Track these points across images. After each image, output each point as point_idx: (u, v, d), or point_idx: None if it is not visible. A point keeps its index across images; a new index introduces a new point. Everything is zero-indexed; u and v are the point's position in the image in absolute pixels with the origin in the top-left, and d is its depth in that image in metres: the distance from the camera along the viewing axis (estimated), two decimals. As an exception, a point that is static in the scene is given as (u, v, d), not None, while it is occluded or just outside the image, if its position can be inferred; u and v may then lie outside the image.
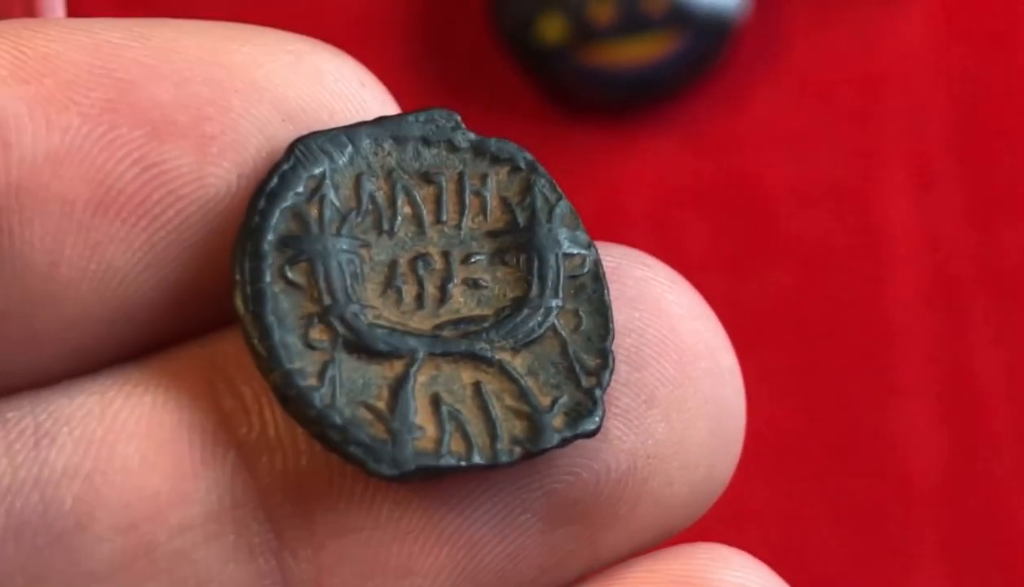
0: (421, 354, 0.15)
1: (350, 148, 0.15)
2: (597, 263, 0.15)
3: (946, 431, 0.35)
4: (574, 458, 0.15)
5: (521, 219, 0.15)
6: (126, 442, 0.15)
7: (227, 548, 0.15)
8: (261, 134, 0.14)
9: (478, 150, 0.15)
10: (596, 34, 0.37)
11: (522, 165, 0.15)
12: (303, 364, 0.14)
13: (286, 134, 0.15)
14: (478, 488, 0.15)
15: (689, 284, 0.16)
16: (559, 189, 0.16)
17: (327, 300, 0.14)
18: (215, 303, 0.15)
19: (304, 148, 0.15)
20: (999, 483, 0.35)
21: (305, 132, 0.15)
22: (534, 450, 0.15)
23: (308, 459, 0.15)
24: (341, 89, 0.15)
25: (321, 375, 0.14)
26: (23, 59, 0.14)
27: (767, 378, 0.35)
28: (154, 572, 0.14)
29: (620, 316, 0.15)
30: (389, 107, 0.15)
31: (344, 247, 0.15)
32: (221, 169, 0.14)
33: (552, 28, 0.37)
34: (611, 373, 0.15)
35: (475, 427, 0.15)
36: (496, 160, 0.15)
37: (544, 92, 0.37)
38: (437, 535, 0.15)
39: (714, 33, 0.37)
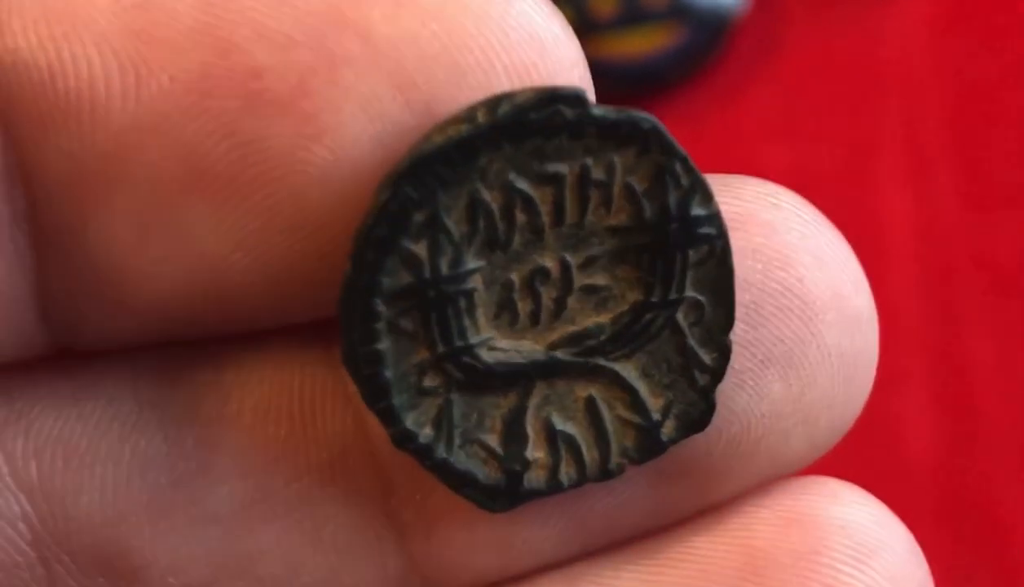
0: (533, 380, 0.14)
1: (459, 162, 0.13)
2: (726, 249, 0.14)
3: (939, 414, 0.35)
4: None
5: (648, 212, 0.14)
6: (249, 395, 0.15)
7: (341, 494, 0.15)
8: (366, 113, 0.13)
9: (604, 132, 0.14)
10: (597, 27, 0.37)
11: (652, 146, 0.14)
12: (418, 415, 0.14)
13: (397, 112, 0.13)
14: None
15: (825, 220, 0.15)
16: (691, 164, 0.14)
17: (441, 347, 0.14)
18: (316, 289, 0.14)
19: (413, 181, 0.13)
20: (990, 464, 0.35)
21: (420, 111, 0.13)
22: (642, 460, 0.15)
23: None
24: (485, 42, 0.13)
25: (437, 423, 0.14)
26: (136, 15, 0.13)
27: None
28: (272, 516, 0.15)
29: (742, 270, 0.15)
30: (568, 47, 0.14)
31: (456, 281, 0.14)
32: (316, 154, 0.13)
33: (554, 20, 0.37)
34: (726, 366, 0.14)
35: (587, 445, 0.14)
36: (624, 142, 0.14)
37: (546, 83, 0.38)
38: None
39: (713, 26, 0.37)
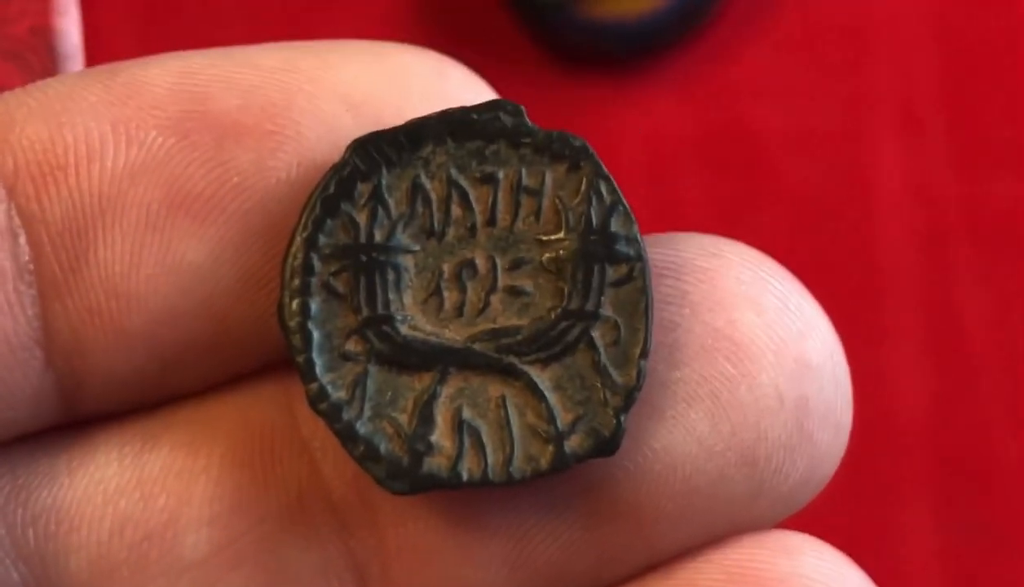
0: (449, 367, 0.15)
1: (407, 148, 0.15)
2: (645, 271, 0.15)
3: (932, 373, 0.35)
4: (607, 460, 0.15)
5: (572, 224, 0.15)
6: (212, 443, 0.16)
7: (301, 536, 0.16)
8: (323, 125, 0.15)
9: (539, 146, 0.15)
10: (593, -13, 0.37)
11: (581, 163, 0.15)
12: (335, 377, 0.15)
13: (349, 122, 0.15)
14: (519, 488, 0.15)
15: (770, 268, 0.15)
16: (618, 190, 0.15)
17: (366, 311, 0.15)
18: None
19: (362, 151, 0.15)
20: (983, 422, 0.35)
21: (370, 121, 0.15)
22: (545, 470, 0.15)
23: None
24: (414, 81, 0.15)
25: (352, 388, 0.15)
26: (111, 87, 0.15)
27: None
28: (240, 560, 0.16)
29: (666, 313, 0.15)
30: (474, 97, 0.15)
31: (389, 257, 0.15)
32: (279, 161, 0.15)
33: (549, -19, 0.37)
34: (639, 390, 0.15)
35: (492, 444, 0.15)
36: (556, 158, 0.15)
37: (542, 44, 0.38)
38: (485, 528, 0.15)
39: (708, -14, 0.37)
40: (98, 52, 0.32)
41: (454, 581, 0.15)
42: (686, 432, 0.15)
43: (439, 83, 0.15)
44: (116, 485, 0.16)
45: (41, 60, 0.28)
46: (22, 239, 0.15)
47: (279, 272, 0.15)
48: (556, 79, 0.38)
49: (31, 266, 0.15)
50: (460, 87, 0.16)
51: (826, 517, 0.36)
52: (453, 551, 0.15)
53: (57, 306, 0.15)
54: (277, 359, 0.16)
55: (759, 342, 0.15)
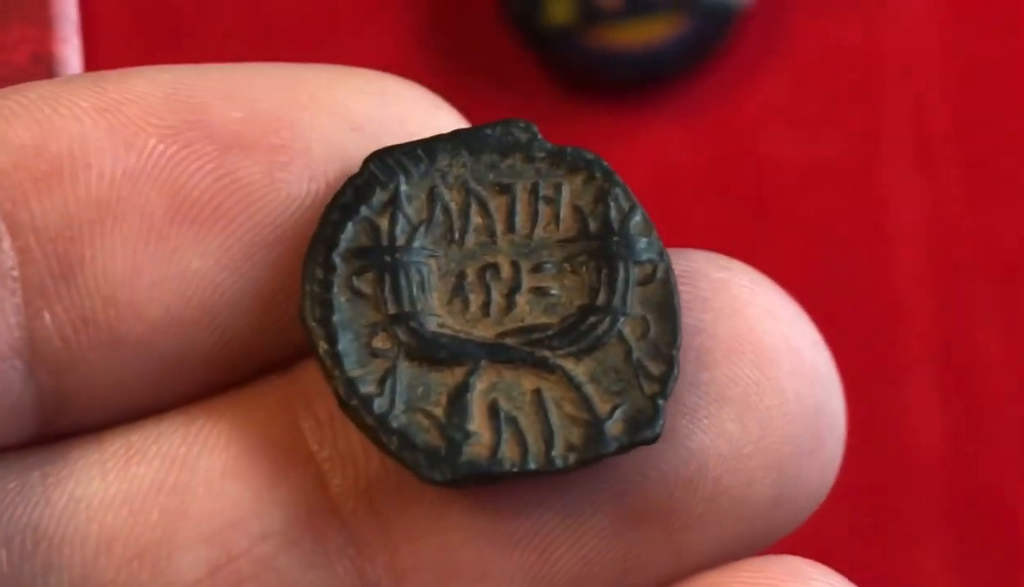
0: (482, 361, 0.15)
1: (425, 161, 0.15)
2: (668, 270, 0.15)
3: (947, 407, 0.35)
4: (642, 459, 0.15)
5: (593, 227, 0.15)
6: (208, 455, 0.15)
7: (306, 554, 0.15)
8: (329, 143, 0.15)
9: (554, 159, 0.15)
10: (603, 16, 0.37)
11: (597, 174, 0.15)
12: (364, 372, 0.15)
13: (355, 143, 0.15)
14: (545, 492, 0.15)
15: (774, 285, 0.16)
16: (634, 198, 0.16)
17: (392, 309, 0.15)
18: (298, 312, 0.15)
19: (379, 162, 0.15)
20: (999, 458, 0.35)
21: (374, 141, 0.15)
22: (588, 457, 0.15)
23: (378, 466, 0.15)
24: (410, 105, 0.16)
25: (382, 383, 0.15)
26: (103, 93, 0.15)
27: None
28: (238, 580, 0.15)
29: (691, 318, 0.15)
30: (461, 125, 0.16)
31: (412, 258, 0.15)
32: (291, 175, 0.15)
33: (559, 9, 0.37)
34: (675, 379, 0.15)
35: (531, 433, 0.15)
36: (572, 169, 0.15)
37: (551, 73, 0.38)
38: (507, 539, 0.15)
39: (720, 15, 0.37)
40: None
41: None
42: (718, 433, 0.15)
43: (434, 113, 0.16)
44: (101, 501, 0.15)
45: (42, 88, 0.28)
46: (5, 244, 0.14)
47: (299, 275, 0.15)
48: (565, 108, 0.37)
49: (15, 272, 0.14)
50: (451, 121, 0.16)
51: (841, 556, 0.36)
52: (471, 566, 0.15)
53: (46, 315, 0.15)
54: (274, 372, 0.16)
55: (780, 349, 0.15)
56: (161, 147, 0.15)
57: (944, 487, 0.35)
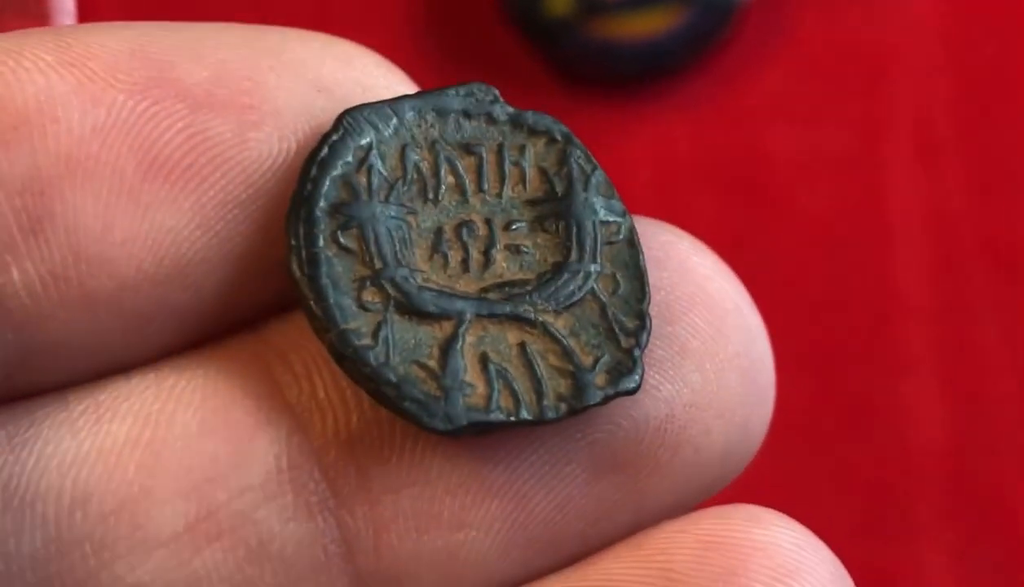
0: (469, 315, 0.15)
1: (395, 120, 0.15)
2: (632, 229, 0.16)
3: (948, 402, 0.35)
4: (614, 409, 0.15)
5: (559, 188, 0.16)
6: (183, 410, 0.15)
7: (286, 507, 0.15)
8: (297, 104, 0.15)
9: (516, 123, 0.16)
10: (603, 8, 0.37)
11: (558, 137, 0.16)
12: (358, 324, 0.15)
13: (322, 104, 0.15)
14: (523, 442, 0.15)
15: (711, 251, 0.16)
16: (594, 160, 0.16)
17: (378, 264, 0.15)
18: (270, 270, 0.15)
19: (352, 119, 0.15)
20: (1000, 454, 0.35)
21: (340, 103, 0.15)
22: (578, 407, 0.15)
23: (359, 418, 0.15)
24: (371, 69, 0.16)
25: (375, 335, 0.15)
26: (66, 48, 0.15)
27: (770, 349, 0.35)
28: (217, 534, 0.15)
29: (649, 276, 0.16)
30: (414, 90, 0.16)
31: (392, 214, 0.15)
32: (262, 134, 0.15)
33: (559, 1, 0.37)
34: (648, 333, 0.15)
35: (522, 385, 0.15)
36: (533, 132, 0.16)
37: (551, 65, 0.38)
38: (487, 488, 0.15)
39: (720, 7, 0.37)
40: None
41: (449, 547, 0.15)
42: (683, 383, 0.16)
43: (391, 78, 0.16)
44: (74, 458, 0.15)
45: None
46: None
47: (274, 233, 0.15)
48: (565, 100, 0.37)
49: None
50: (407, 87, 0.16)
51: (842, 549, 0.36)
52: (450, 515, 0.15)
53: (13, 270, 0.14)
54: (244, 329, 0.16)
55: (727, 306, 0.16)
56: (131, 103, 0.15)
57: (945, 481, 0.35)
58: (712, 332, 0.16)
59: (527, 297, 0.15)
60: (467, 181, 0.16)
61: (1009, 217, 0.36)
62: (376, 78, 0.16)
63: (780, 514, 0.16)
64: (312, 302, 0.15)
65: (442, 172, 0.16)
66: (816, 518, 0.36)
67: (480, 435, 0.15)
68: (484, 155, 0.16)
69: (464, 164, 0.16)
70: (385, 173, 0.15)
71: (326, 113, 0.15)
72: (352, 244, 0.15)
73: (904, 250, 0.36)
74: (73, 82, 0.14)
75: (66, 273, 0.14)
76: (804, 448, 0.35)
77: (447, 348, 0.15)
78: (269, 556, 0.15)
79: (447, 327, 0.15)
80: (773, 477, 0.35)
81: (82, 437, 0.15)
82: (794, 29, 0.38)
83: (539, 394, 0.15)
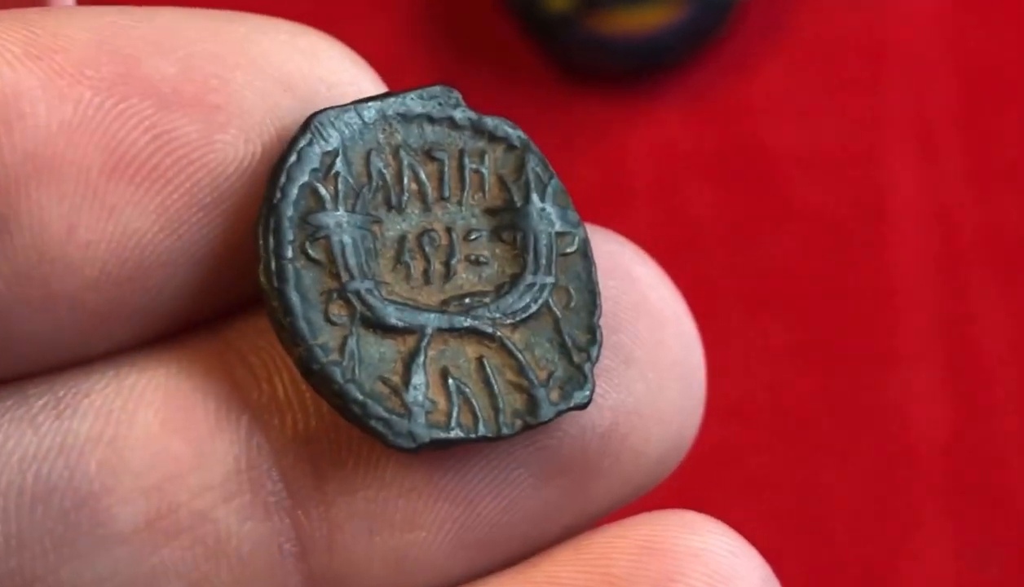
0: (430, 329, 0.15)
1: (360, 124, 0.15)
2: (586, 241, 0.16)
3: (949, 395, 0.35)
4: (563, 417, 0.16)
5: (516, 198, 0.16)
6: (145, 409, 0.15)
7: (244, 507, 0.15)
8: (265, 103, 0.15)
9: (476, 128, 0.16)
10: (603, 2, 0.37)
11: (516, 143, 0.16)
12: (325, 339, 0.15)
13: (288, 104, 0.15)
14: (474, 449, 0.16)
15: (652, 259, 0.17)
16: (551, 168, 0.16)
17: (344, 276, 0.15)
18: (234, 272, 0.15)
19: (319, 124, 0.15)
20: (1000, 446, 0.35)
21: (305, 103, 0.15)
22: (533, 423, 0.15)
23: (316, 421, 0.15)
24: (336, 65, 0.16)
25: (342, 349, 0.15)
26: (34, 39, 0.14)
27: (771, 344, 0.36)
28: (176, 531, 0.15)
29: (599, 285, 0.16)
30: (380, 86, 0.16)
31: (358, 223, 0.15)
32: (228, 135, 0.15)
33: (559, -4, 0.37)
34: (600, 347, 0.16)
35: (481, 401, 0.15)
36: (493, 138, 0.16)
37: (550, 60, 0.38)
38: (438, 492, 0.16)
39: (720, 2, 0.37)
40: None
41: (400, 547, 0.16)
42: (628, 391, 0.16)
43: (356, 73, 0.16)
44: (35, 453, 0.15)
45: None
46: None
47: (237, 237, 0.15)
48: (565, 95, 0.37)
49: None
50: (372, 83, 0.16)
51: (846, 540, 0.36)
52: (402, 517, 0.15)
53: None
54: (203, 327, 0.16)
55: (668, 315, 0.16)
56: (97, 100, 0.14)
57: (947, 475, 0.35)
58: (654, 341, 0.16)
59: (486, 309, 0.16)
60: (429, 188, 0.16)
61: (1010, 210, 0.36)
62: (340, 75, 0.16)
63: (714, 520, 0.16)
64: (280, 315, 0.15)
65: (405, 179, 0.16)
66: (820, 509, 0.37)
67: (438, 450, 0.15)
68: (446, 161, 0.16)
69: (427, 171, 0.16)
70: (351, 180, 0.15)
71: (292, 113, 0.15)
72: (320, 255, 0.15)
73: (904, 244, 0.36)
74: (41, 76, 0.14)
75: (29, 273, 0.14)
76: (804, 440, 0.35)
77: (410, 363, 0.15)
78: (226, 554, 0.15)
79: (410, 341, 0.15)
80: (775, 470, 0.35)
81: (43, 432, 0.15)
82: (793, 23, 0.38)
83: (496, 410, 0.15)
